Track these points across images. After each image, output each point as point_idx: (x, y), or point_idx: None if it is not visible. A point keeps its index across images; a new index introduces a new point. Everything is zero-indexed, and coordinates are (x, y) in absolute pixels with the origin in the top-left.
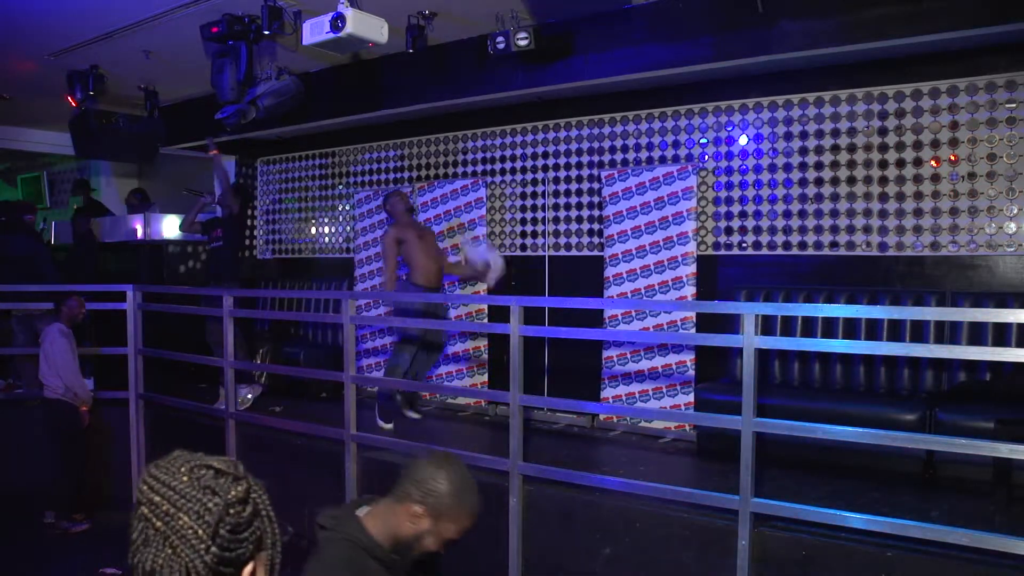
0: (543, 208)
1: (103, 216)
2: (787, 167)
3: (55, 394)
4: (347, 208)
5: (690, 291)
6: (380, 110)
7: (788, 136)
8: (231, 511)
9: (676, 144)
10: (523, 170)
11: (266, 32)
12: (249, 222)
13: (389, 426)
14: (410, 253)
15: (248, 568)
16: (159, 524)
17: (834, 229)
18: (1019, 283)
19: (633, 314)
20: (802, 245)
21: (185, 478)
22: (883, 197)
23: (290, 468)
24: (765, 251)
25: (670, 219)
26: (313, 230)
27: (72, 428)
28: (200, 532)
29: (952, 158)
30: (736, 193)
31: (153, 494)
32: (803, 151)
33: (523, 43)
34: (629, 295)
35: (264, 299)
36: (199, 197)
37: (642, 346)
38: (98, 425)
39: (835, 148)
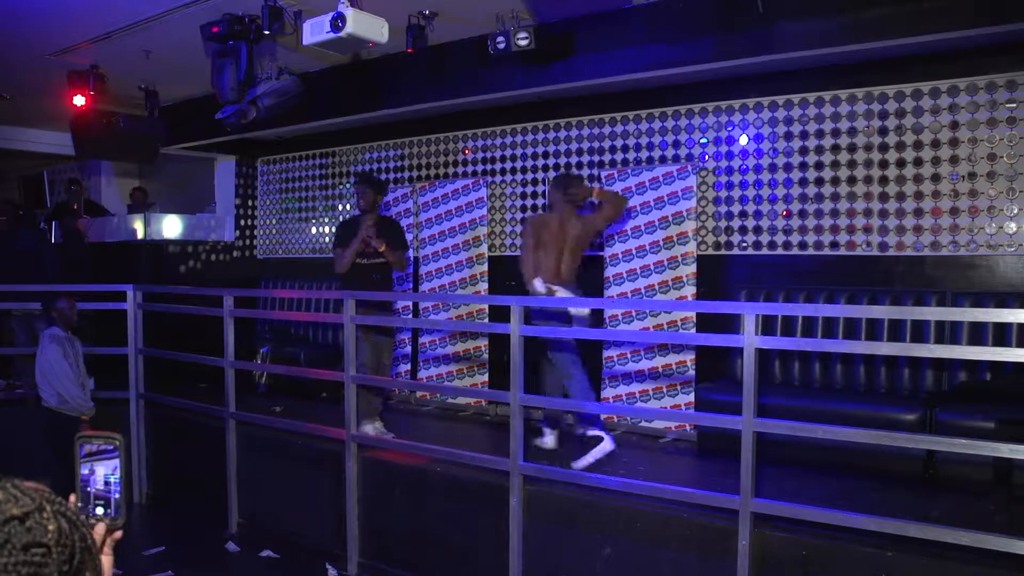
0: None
1: (99, 215)
2: (787, 167)
3: (49, 404)
4: (347, 208)
5: (690, 291)
6: (380, 110)
7: (788, 136)
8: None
9: (676, 144)
10: (523, 170)
11: (266, 32)
12: (251, 222)
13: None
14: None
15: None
16: None
17: (834, 229)
18: (1019, 283)
19: (633, 314)
20: (802, 245)
21: None
22: (883, 197)
23: (290, 468)
24: (765, 251)
25: (670, 219)
26: (313, 230)
27: (67, 441)
28: None
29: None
30: (736, 193)
31: None
32: (803, 151)
33: (523, 43)
34: (629, 295)
35: (264, 299)
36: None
37: (642, 346)
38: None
39: (835, 148)
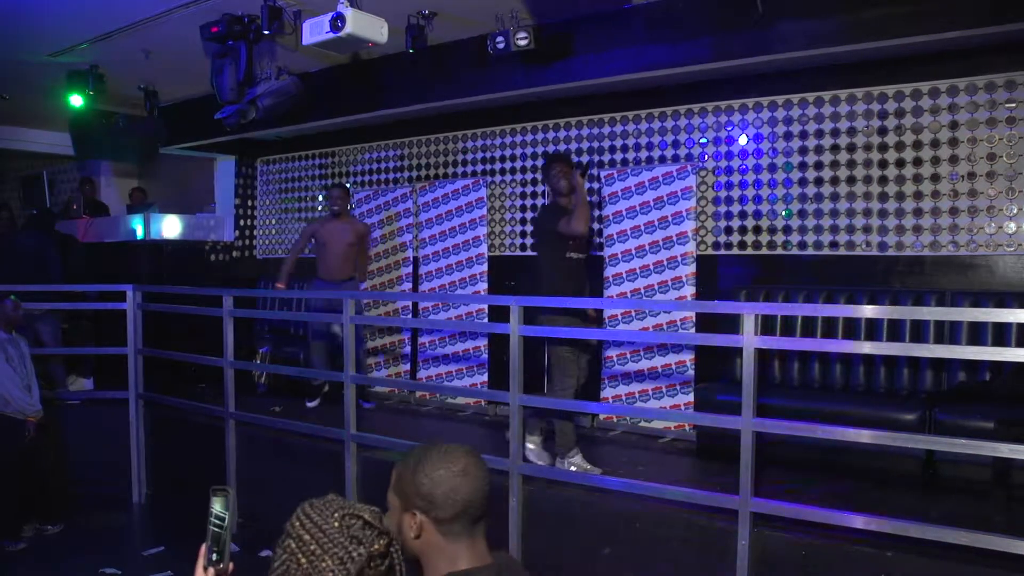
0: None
1: (102, 213)
2: (787, 167)
3: None
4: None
5: (690, 291)
6: (380, 110)
7: (788, 136)
8: (372, 563)
9: (676, 144)
10: (523, 170)
11: (266, 32)
12: (250, 222)
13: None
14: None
15: None
16: (303, 561)
17: (834, 229)
18: (1019, 283)
19: (633, 314)
20: (802, 245)
21: (336, 523)
22: (883, 197)
23: (290, 468)
24: (765, 251)
25: (670, 219)
26: None
27: (9, 444)
28: None
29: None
30: (736, 193)
31: (304, 532)
32: (803, 151)
33: (523, 43)
34: (629, 295)
35: (264, 299)
36: None
37: (642, 346)
38: (52, 434)
39: (835, 148)
